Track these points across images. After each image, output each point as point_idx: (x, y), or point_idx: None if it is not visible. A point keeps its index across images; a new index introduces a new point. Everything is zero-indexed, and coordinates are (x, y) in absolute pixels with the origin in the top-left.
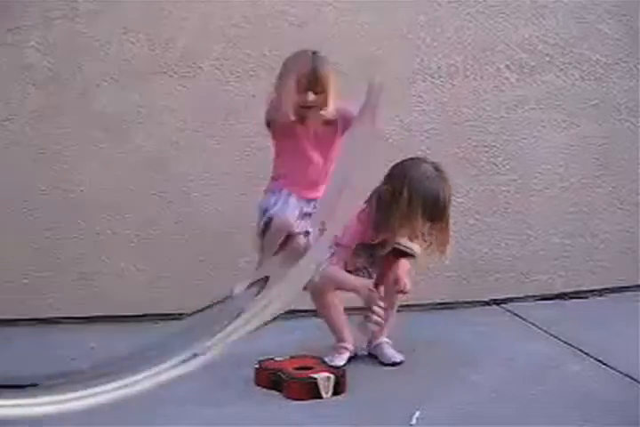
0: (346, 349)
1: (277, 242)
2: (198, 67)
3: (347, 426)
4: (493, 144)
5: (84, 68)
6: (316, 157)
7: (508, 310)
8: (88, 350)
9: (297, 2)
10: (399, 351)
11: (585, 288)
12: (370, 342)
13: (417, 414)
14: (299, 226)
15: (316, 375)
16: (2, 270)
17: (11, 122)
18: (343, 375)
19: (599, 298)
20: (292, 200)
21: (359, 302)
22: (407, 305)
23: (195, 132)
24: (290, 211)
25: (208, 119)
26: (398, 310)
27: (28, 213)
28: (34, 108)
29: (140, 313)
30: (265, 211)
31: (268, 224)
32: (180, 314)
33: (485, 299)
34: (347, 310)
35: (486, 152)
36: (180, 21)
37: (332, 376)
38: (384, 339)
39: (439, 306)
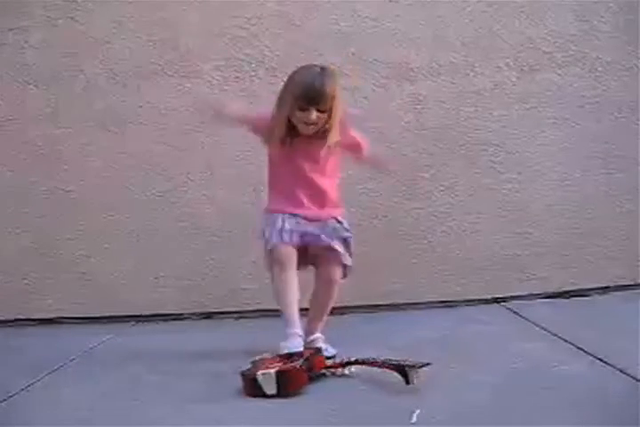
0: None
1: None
2: (198, 67)
3: (346, 425)
4: (493, 142)
5: (84, 68)
6: (315, 177)
7: (509, 308)
8: (88, 350)
9: (296, 2)
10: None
11: (585, 286)
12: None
13: (417, 412)
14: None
15: (259, 372)
16: (2, 271)
17: (11, 122)
18: (288, 371)
19: (600, 296)
20: (286, 224)
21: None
22: (408, 304)
23: (195, 132)
24: (282, 238)
25: (208, 119)
26: (401, 308)
27: (29, 213)
28: (34, 108)
29: (141, 313)
30: (263, 233)
31: (267, 245)
32: (180, 314)
33: (486, 297)
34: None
35: (486, 150)
36: (180, 21)
37: (271, 373)
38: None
39: (440, 304)
